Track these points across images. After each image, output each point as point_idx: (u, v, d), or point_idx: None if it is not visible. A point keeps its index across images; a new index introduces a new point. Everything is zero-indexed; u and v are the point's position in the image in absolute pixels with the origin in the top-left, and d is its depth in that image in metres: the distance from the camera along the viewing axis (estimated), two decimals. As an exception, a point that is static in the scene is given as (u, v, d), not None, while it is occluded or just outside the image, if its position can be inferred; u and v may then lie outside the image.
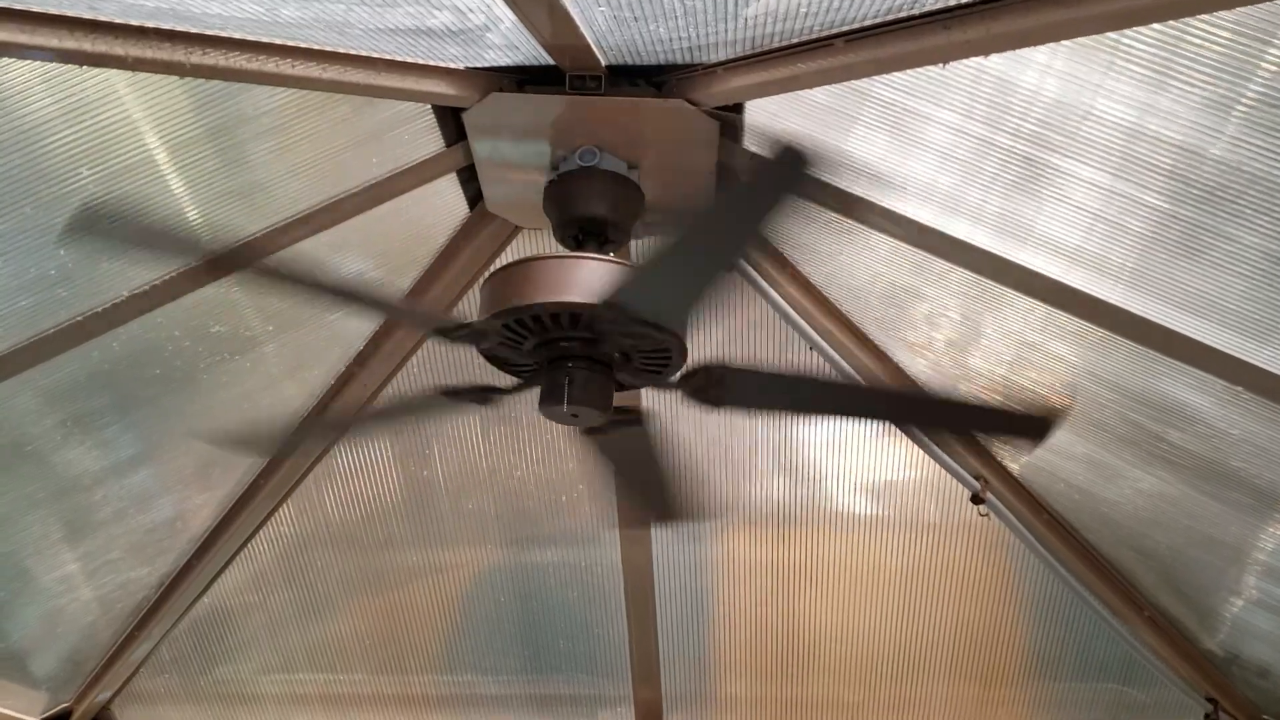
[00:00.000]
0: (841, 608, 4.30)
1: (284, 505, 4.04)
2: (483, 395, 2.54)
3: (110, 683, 4.47)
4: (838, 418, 3.63)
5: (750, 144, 2.71)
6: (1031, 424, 2.45)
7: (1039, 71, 2.19)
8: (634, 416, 2.53)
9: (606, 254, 2.46)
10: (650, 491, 2.82)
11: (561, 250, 2.57)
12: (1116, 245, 2.49)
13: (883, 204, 2.73)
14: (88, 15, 2.12)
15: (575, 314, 2.25)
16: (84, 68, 2.24)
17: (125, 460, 3.47)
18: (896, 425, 3.59)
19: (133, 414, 3.32)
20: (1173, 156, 2.20)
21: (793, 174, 1.72)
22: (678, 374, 2.40)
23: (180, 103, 2.47)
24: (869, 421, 3.65)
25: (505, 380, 2.55)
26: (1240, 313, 2.46)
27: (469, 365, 3.54)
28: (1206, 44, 1.97)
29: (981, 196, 2.57)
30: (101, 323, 2.89)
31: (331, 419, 3.60)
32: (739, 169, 2.70)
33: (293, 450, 3.76)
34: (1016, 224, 2.59)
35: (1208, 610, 3.67)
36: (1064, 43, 2.10)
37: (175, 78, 2.36)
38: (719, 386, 2.34)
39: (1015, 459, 3.56)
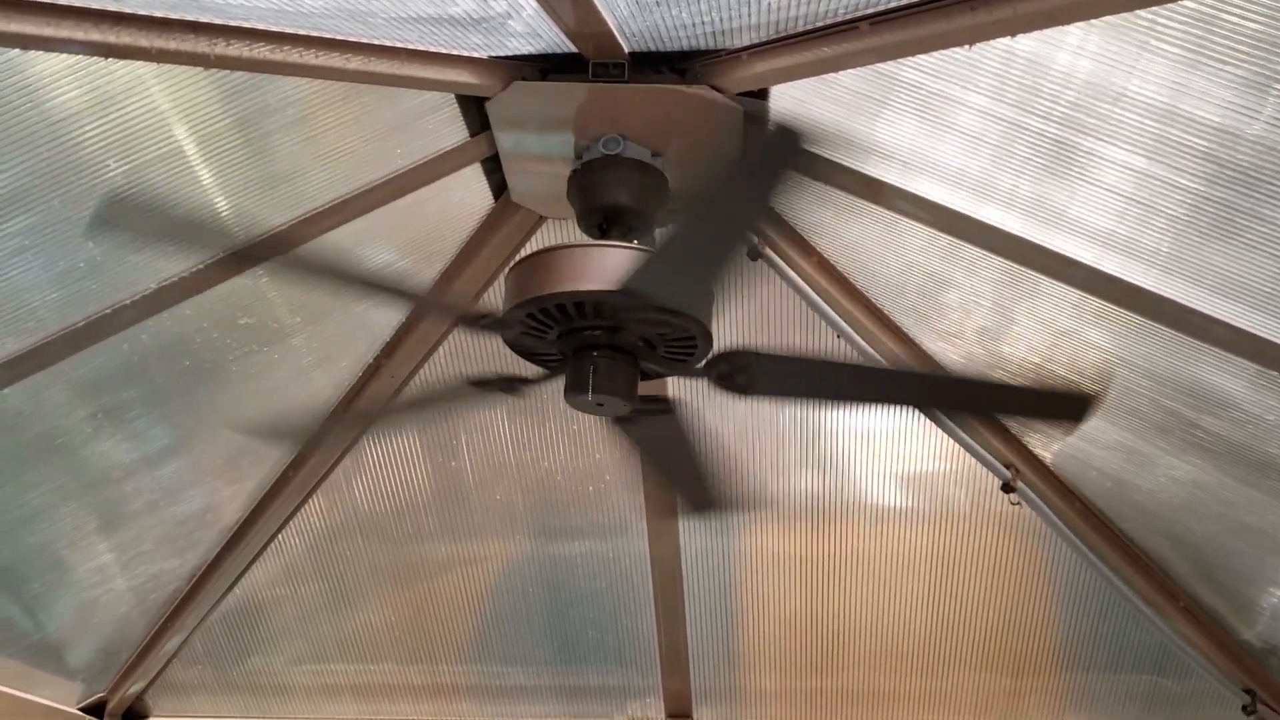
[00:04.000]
0: (871, 598, 4.28)
1: (314, 497, 4.06)
2: (510, 385, 2.54)
3: (144, 673, 4.51)
4: (867, 405, 3.58)
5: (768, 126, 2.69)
6: (1070, 404, 2.39)
7: (1071, 53, 2.15)
8: (663, 404, 2.52)
9: (631, 242, 2.44)
10: (686, 480, 2.80)
11: (585, 239, 2.56)
12: (1150, 229, 2.45)
13: (911, 189, 2.70)
14: (112, 7, 2.12)
15: (598, 303, 2.24)
16: (111, 60, 2.25)
17: (156, 452, 3.49)
18: (927, 411, 3.54)
19: (163, 406, 3.34)
20: (1208, 138, 2.16)
21: (788, 150, 1.72)
22: (703, 361, 2.38)
23: (207, 94, 2.48)
24: (899, 409, 3.61)
25: (532, 370, 2.55)
26: (1277, 296, 2.41)
27: (496, 356, 3.54)
28: (1243, 21, 1.93)
29: (1013, 181, 2.54)
30: (131, 315, 2.90)
31: (361, 410, 3.61)
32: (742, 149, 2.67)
33: (322, 441, 3.77)
34: (1049, 209, 2.56)
35: (1245, 600, 3.62)
36: (1096, 23, 2.06)
37: (201, 69, 2.36)
38: (745, 373, 2.32)
39: (1047, 447, 3.52)
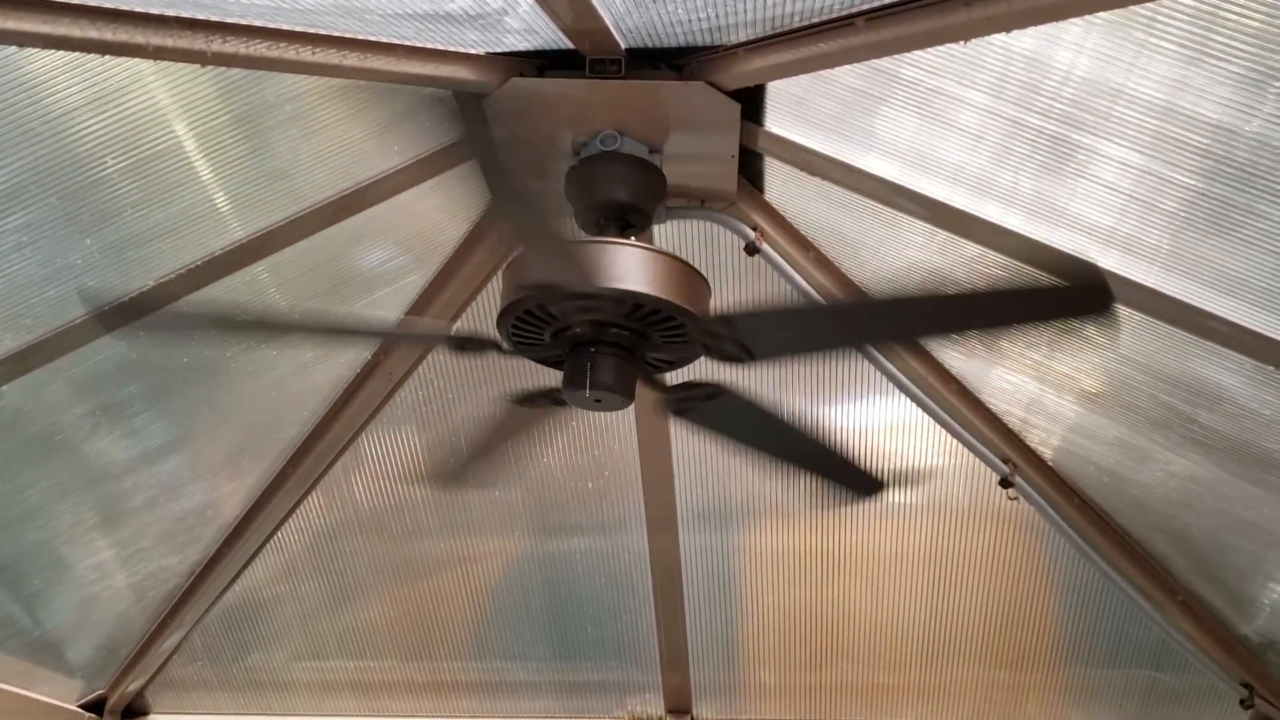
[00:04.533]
0: (870, 594, 4.28)
1: (313, 493, 4.06)
2: (552, 395, 2.52)
3: (144, 670, 4.52)
4: (872, 346, 3.39)
5: (773, 126, 2.69)
6: (1089, 297, 2.09)
7: (1070, 50, 2.15)
8: (714, 388, 2.50)
9: (628, 238, 2.44)
10: (834, 467, 2.77)
11: (583, 235, 2.56)
12: (1148, 225, 2.45)
13: (910, 186, 2.70)
14: (109, 4, 2.12)
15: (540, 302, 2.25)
16: (108, 57, 2.25)
17: (155, 449, 3.49)
18: (937, 336, 3.19)
19: (161, 403, 3.34)
20: (1206, 134, 2.16)
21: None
22: (697, 338, 2.35)
23: (204, 91, 2.48)
24: (905, 345, 3.34)
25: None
26: (1273, 291, 2.41)
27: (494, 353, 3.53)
28: (1243, 17, 1.93)
29: (1012, 178, 2.54)
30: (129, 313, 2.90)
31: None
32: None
33: (321, 436, 3.75)
34: (1048, 205, 2.56)
35: (1243, 595, 3.63)
36: (1095, 20, 2.06)
37: (198, 66, 2.36)
38: (740, 339, 2.29)
39: (1046, 443, 3.52)
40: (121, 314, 2.74)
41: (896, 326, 2.51)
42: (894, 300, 2.47)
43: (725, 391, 2.48)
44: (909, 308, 2.32)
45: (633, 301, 2.23)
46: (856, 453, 3.67)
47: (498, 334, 2.40)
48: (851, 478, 2.82)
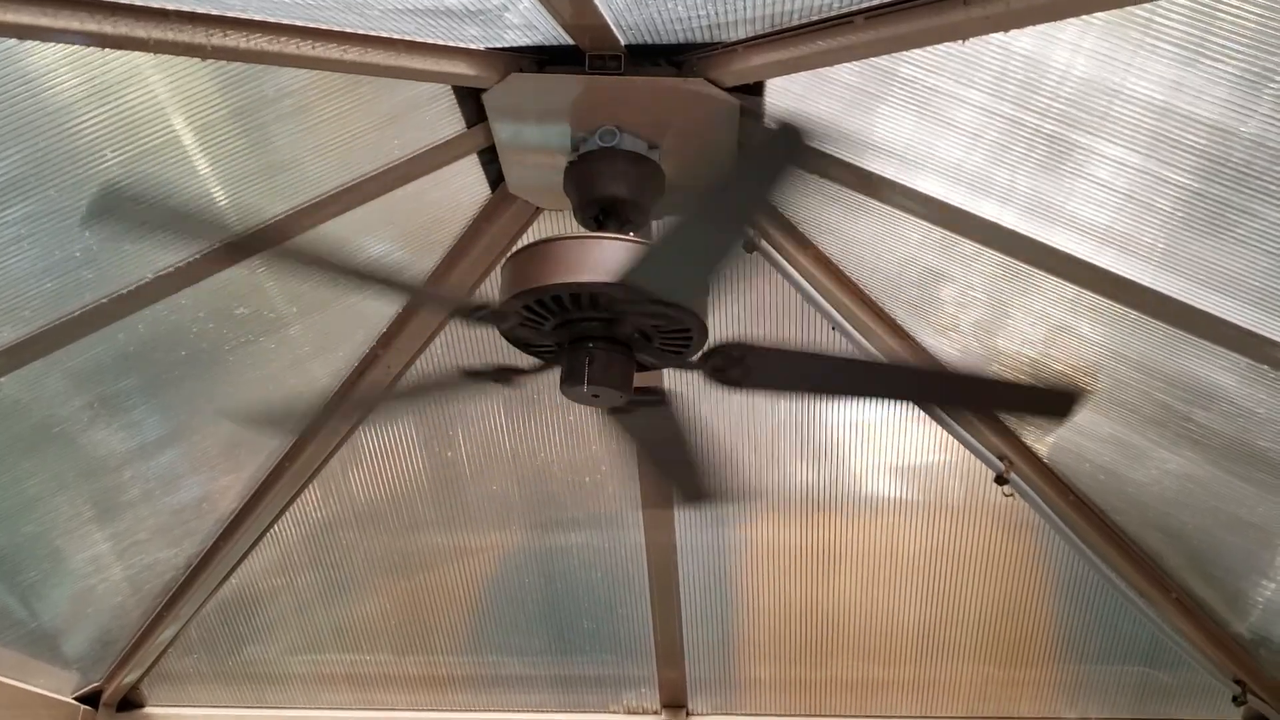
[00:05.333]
0: (866, 589, 4.29)
1: (310, 487, 4.07)
2: (504, 375, 2.54)
3: (139, 662, 4.52)
4: (860, 399, 3.59)
5: (772, 123, 2.69)
6: (1059, 400, 2.42)
7: (1068, 49, 2.16)
8: (657, 396, 2.53)
9: (627, 234, 2.45)
10: (680, 472, 2.81)
11: (582, 231, 2.57)
12: (1146, 225, 2.46)
13: (908, 184, 2.71)
14: (109, -3, 2.13)
15: (594, 294, 2.24)
16: (107, 50, 2.25)
17: (152, 441, 3.50)
18: (920, 405, 3.55)
19: (159, 396, 3.34)
20: (1203, 134, 2.17)
21: (792, 147, 1.73)
22: (698, 354, 2.39)
23: (204, 84, 2.48)
24: (892, 403, 3.62)
25: (526, 361, 2.56)
26: (1267, 290, 2.43)
27: (493, 347, 3.54)
28: (1239, 18, 1.94)
29: (1009, 176, 2.54)
30: (127, 305, 2.91)
31: (357, 399, 3.61)
32: (746, 144, 2.69)
33: (319, 429, 3.77)
34: (1045, 204, 2.57)
35: (1236, 592, 3.64)
36: (1093, 20, 2.07)
37: (198, 60, 2.36)
38: (739, 366, 2.33)
39: (1041, 440, 3.53)
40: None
41: (892, 388, 2.67)
42: (894, 366, 2.67)
43: (666, 404, 2.51)
44: (907, 376, 2.56)
45: (677, 316, 2.26)
46: (852, 450, 3.74)
47: (499, 311, 2.38)
48: (685, 483, 2.90)
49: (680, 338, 2.37)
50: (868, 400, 3.62)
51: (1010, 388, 2.73)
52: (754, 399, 3.72)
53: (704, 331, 2.34)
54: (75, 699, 4.48)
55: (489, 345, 3.57)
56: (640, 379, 2.46)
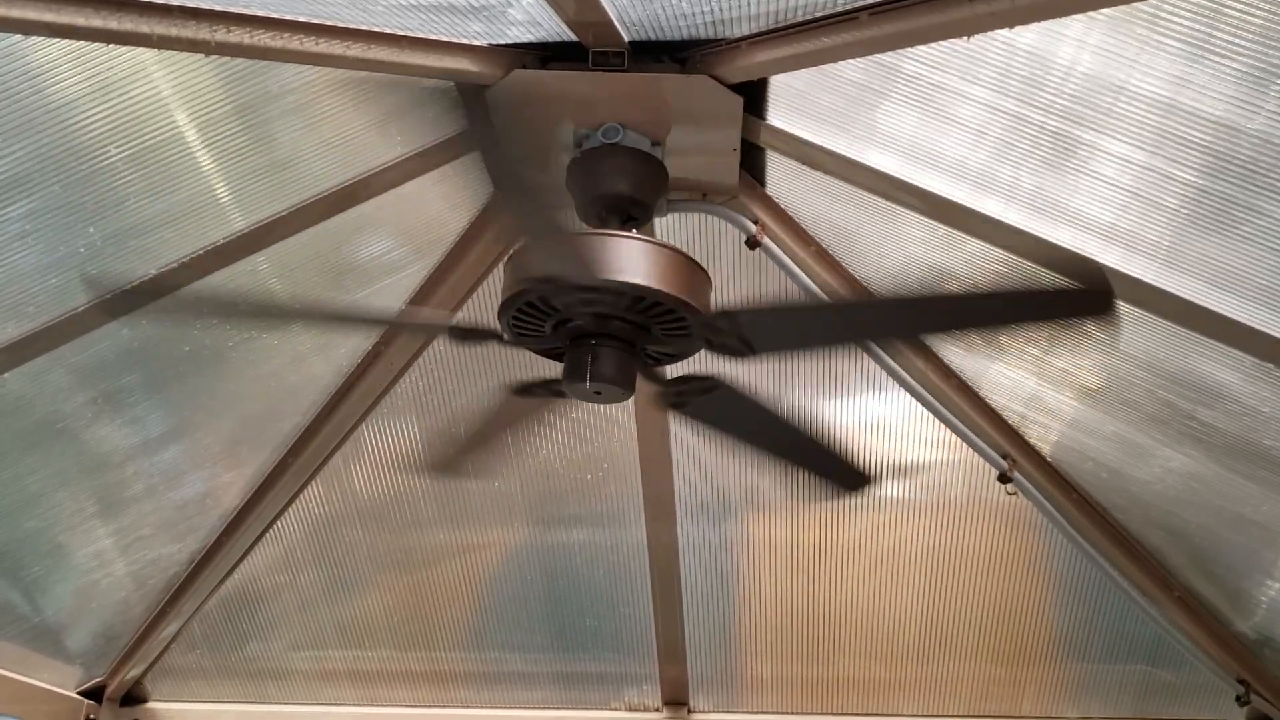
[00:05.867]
0: (868, 588, 4.29)
1: (313, 483, 4.07)
2: (551, 387, 2.53)
3: (143, 658, 4.53)
4: (872, 343, 3.35)
5: (775, 119, 2.69)
6: (1089, 300, 2.13)
7: (1073, 46, 2.15)
8: (710, 382, 2.51)
9: (630, 231, 2.45)
10: (821, 458, 2.78)
11: (584, 227, 2.57)
12: (1151, 222, 2.45)
13: (911, 181, 2.70)
14: (113, -7, 2.13)
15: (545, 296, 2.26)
16: (111, 46, 2.25)
17: (155, 437, 3.50)
18: (938, 334, 3.21)
19: (162, 391, 3.35)
20: (1208, 132, 2.17)
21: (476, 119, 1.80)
22: (700, 333, 2.36)
23: (207, 80, 2.48)
24: (906, 346, 3.38)
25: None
26: (1273, 288, 2.42)
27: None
28: (1246, 14, 1.93)
29: (1013, 174, 2.54)
30: (130, 301, 2.91)
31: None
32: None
33: (321, 426, 3.76)
34: (1050, 201, 2.56)
35: (1239, 591, 3.64)
36: (1098, 16, 2.06)
37: (202, 56, 2.36)
38: (740, 333, 2.29)
39: (1045, 438, 3.53)
40: (125, 300, 2.76)
41: (899, 325, 2.56)
42: (897, 299, 2.52)
43: (720, 385, 2.49)
44: (912, 306, 2.36)
45: (634, 294, 2.23)
46: (854, 448, 3.71)
47: (499, 325, 2.41)
48: (838, 472, 2.83)
49: (673, 321, 2.33)
50: (879, 343, 3.34)
51: (1030, 295, 2.37)
52: (757, 394, 3.71)
53: (687, 306, 2.27)
54: (79, 693, 4.48)
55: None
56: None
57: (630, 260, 2.22)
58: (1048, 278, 2.77)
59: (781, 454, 2.83)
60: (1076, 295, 2.13)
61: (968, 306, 2.29)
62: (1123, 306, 2.73)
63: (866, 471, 2.82)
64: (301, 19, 2.30)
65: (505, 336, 2.43)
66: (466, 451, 2.93)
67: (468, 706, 4.76)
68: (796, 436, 2.68)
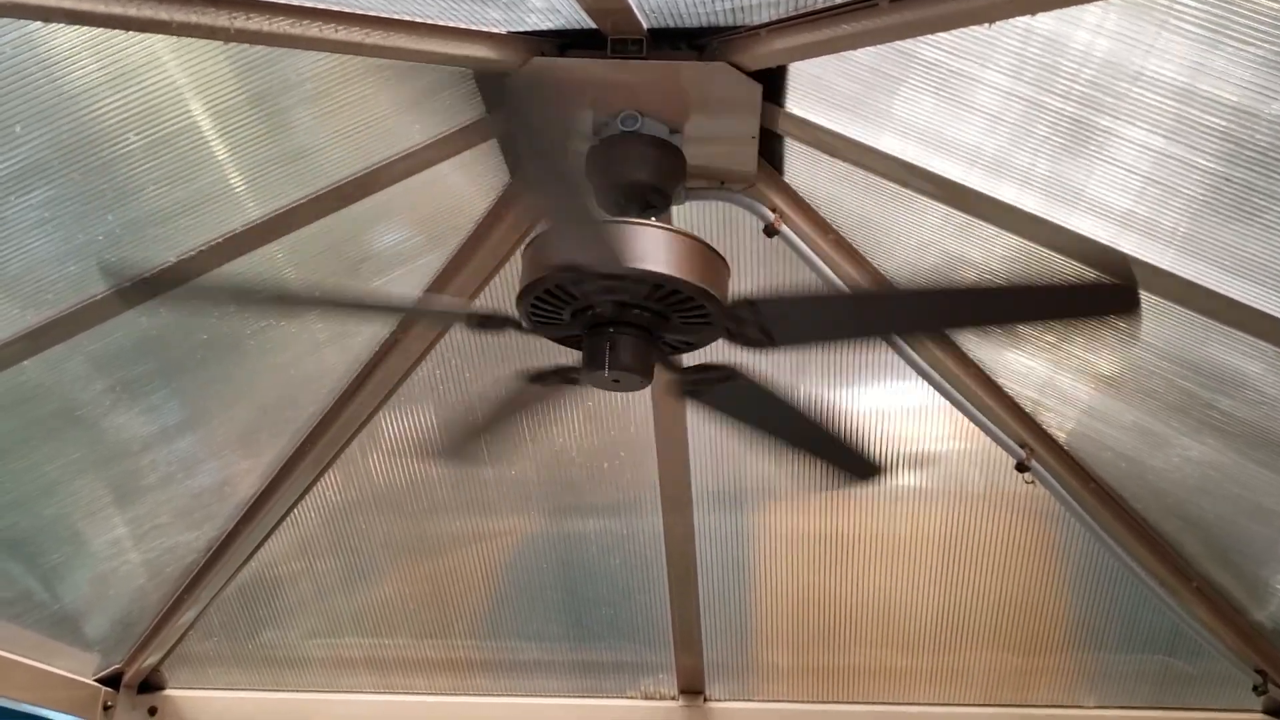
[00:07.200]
0: (885, 576, 4.29)
1: (329, 471, 4.08)
2: (567, 374, 2.54)
3: (160, 645, 4.55)
4: (894, 336, 3.35)
5: (793, 107, 2.68)
6: (1115, 296, 2.13)
7: (1090, 31, 2.14)
8: (725, 371, 2.51)
9: (648, 219, 2.44)
10: (831, 446, 2.78)
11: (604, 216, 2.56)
12: (1168, 209, 2.44)
13: (928, 167, 2.69)
14: (132, -21, 2.13)
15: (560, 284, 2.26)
16: (129, 33, 2.26)
17: (172, 426, 3.51)
18: (960, 329, 3.20)
19: (180, 380, 3.36)
20: (1226, 117, 2.15)
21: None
22: (720, 321, 2.36)
23: (223, 68, 2.48)
24: (930, 339, 3.36)
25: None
26: (1293, 277, 2.41)
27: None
28: (1264, 0, 1.92)
29: (1030, 160, 2.53)
30: (149, 289, 2.92)
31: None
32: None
33: (338, 414, 3.77)
34: (1066, 188, 2.55)
35: (1258, 581, 3.63)
36: (1115, 1, 2.05)
37: (218, 43, 2.37)
38: (761, 323, 2.29)
39: (1062, 427, 3.52)
40: (143, 289, 2.76)
41: (922, 319, 2.54)
42: (921, 292, 2.50)
43: (737, 375, 2.49)
44: (935, 300, 2.35)
45: (655, 282, 2.23)
46: (871, 437, 3.71)
47: (517, 312, 2.41)
48: (849, 461, 2.83)
49: (693, 309, 2.33)
50: (901, 334, 3.30)
51: (1058, 291, 2.38)
52: (773, 381, 3.71)
53: (710, 296, 2.27)
54: (96, 680, 4.51)
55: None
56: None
57: (652, 248, 2.22)
58: (1067, 266, 2.76)
59: (795, 443, 2.83)
60: (1103, 291, 2.16)
61: (992, 301, 2.30)
62: (1142, 294, 2.72)
63: (878, 461, 2.82)
64: (321, 5, 2.30)
65: (523, 324, 2.43)
66: (477, 437, 2.93)
67: (483, 694, 4.77)
68: (809, 426, 2.68)
